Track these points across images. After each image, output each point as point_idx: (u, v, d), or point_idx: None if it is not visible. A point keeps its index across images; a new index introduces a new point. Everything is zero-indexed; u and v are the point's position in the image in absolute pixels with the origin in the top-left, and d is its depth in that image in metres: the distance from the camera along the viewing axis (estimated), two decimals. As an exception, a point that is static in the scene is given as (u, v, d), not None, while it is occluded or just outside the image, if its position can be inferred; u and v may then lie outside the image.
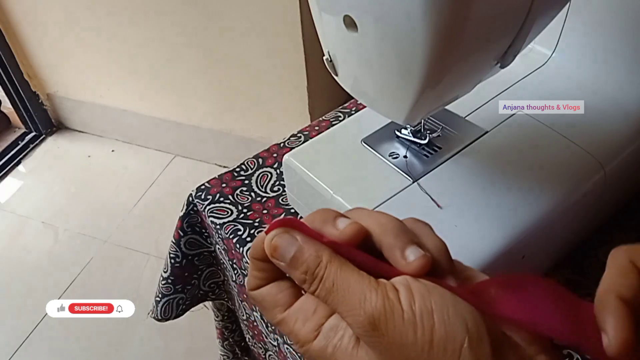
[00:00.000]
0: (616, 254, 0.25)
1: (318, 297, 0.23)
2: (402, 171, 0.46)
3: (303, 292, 0.25)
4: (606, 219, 0.53)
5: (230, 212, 0.57)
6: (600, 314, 0.23)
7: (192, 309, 0.70)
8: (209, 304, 0.75)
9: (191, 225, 0.61)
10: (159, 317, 0.68)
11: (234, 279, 0.62)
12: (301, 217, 0.55)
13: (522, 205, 0.43)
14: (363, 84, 0.41)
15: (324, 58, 0.42)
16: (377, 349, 0.21)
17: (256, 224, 0.55)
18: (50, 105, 1.91)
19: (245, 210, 0.57)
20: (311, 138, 0.54)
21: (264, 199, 0.58)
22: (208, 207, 0.58)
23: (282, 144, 0.63)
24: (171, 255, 0.63)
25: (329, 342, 0.22)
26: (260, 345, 0.70)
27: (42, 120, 1.91)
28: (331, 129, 0.54)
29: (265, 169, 0.61)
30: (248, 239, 0.54)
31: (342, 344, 0.22)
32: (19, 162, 1.85)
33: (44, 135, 1.93)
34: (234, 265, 0.59)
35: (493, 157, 0.47)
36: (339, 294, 0.22)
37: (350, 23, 0.35)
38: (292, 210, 0.56)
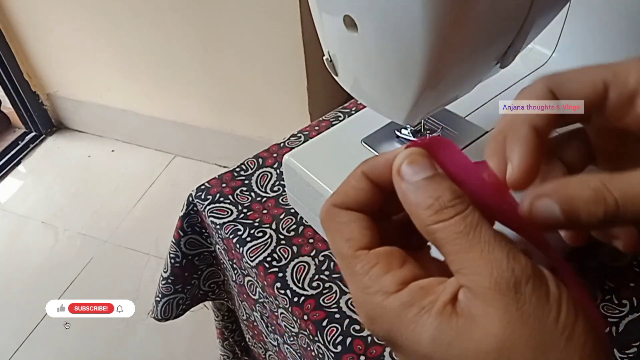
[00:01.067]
0: (535, 83, 0.24)
1: (434, 234, 0.20)
2: (402, 171, 0.46)
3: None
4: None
5: (230, 212, 0.57)
6: (510, 141, 0.23)
7: (192, 309, 0.70)
8: (209, 304, 0.75)
9: (191, 225, 0.61)
10: (159, 317, 0.68)
11: (234, 279, 0.62)
12: (302, 218, 0.55)
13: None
14: (363, 84, 0.41)
15: (324, 58, 0.42)
16: (509, 311, 0.18)
17: (256, 224, 0.55)
18: (50, 105, 1.91)
19: (245, 210, 0.57)
20: (311, 138, 0.54)
21: (264, 199, 0.58)
22: (208, 207, 0.58)
23: (282, 144, 0.64)
24: (171, 255, 0.63)
25: (416, 301, 0.20)
26: (260, 345, 0.70)
27: (42, 120, 1.91)
28: (331, 129, 0.54)
29: (265, 169, 0.61)
30: (248, 239, 0.54)
31: (434, 307, 0.19)
32: (19, 162, 1.85)
33: (44, 135, 1.93)
34: (234, 265, 0.59)
35: (493, 157, 0.47)
36: (474, 239, 0.19)
37: (350, 23, 0.35)
38: (292, 211, 0.56)
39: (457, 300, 0.19)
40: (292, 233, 0.54)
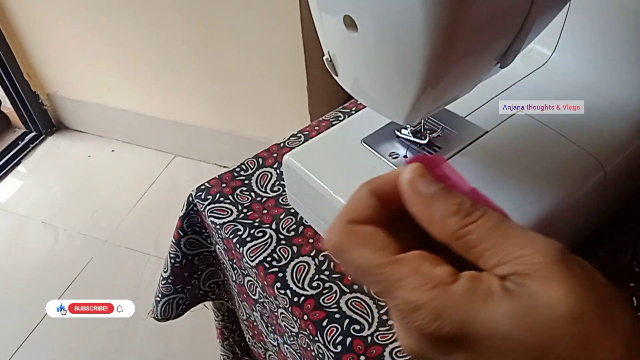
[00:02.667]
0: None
1: (464, 237, 0.21)
2: (402, 171, 0.46)
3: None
4: (606, 219, 0.53)
5: (230, 212, 0.57)
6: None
7: (192, 309, 0.70)
8: (209, 304, 0.75)
9: (191, 225, 0.61)
10: (159, 317, 0.68)
11: (234, 279, 0.62)
12: (302, 218, 0.55)
13: (522, 205, 0.43)
14: (363, 84, 0.41)
15: (324, 58, 0.42)
16: (568, 277, 0.19)
17: (256, 224, 0.55)
18: (50, 105, 1.91)
19: (245, 210, 0.57)
20: (311, 138, 0.54)
21: (264, 199, 0.58)
22: (208, 207, 0.58)
23: (282, 144, 0.64)
24: (171, 255, 0.63)
25: (476, 287, 0.20)
26: (260, 345, 0.70)
27: (42, 120, 1.91)
28: (331, 129, 0.54)
29: (265, 169, 0.61)
30: (248, 239, 0.54)
31: (494, 290, 0.19)
32: (19, 162, 1.85)
33: (44, 135, 1.93)
34: (234, 265, 0.59)
35: (493, 157, 0.47)
36: (507, 229, 0.20)
37: (350, 23, 0.35)
38: (292, 210, 0.56)
39: (506, 287, 0.20)
40: (292, 233, 0.54)
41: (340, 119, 0.66)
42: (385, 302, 0.22)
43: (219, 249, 0.61)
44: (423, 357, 0.22)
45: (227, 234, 0.55)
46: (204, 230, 0.62)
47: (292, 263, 0.52)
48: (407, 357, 0.44)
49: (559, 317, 0.19)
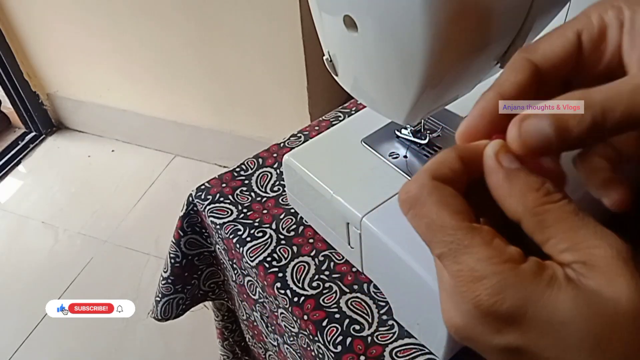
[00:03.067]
0: (514, 57, 0.25)
1: (542, 214, 0.20)
2: (402, 171, 0.46)
3: None
4: (606, 218, 0.53)
5: (230, 212, 0.57)
6: (480, 103, 0.24)
7: (192, 309, 0.70)
8: (209, 304, 0.75)
9: (191, 225, 0.61)
10: (159, 317, 0.68)
11: (234, 279, 0.62)
12: (302, 218, 0.55)
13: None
14: (363, 84, 0.41)
15: (324, 58, 0.42)
16: (635, 277, 0.19)
17: (256, 224, 0.55)
18: (50, 105, 1.91)
19: (245, 210, 0.57)
20: (311, 138, 0.54)
21: (264, 199, 0.58)
22: (208, 207, 0.58)
23: (282, 144, 0.64)
24: (171, 255, 0.63)
25: (542, 272, 0.20)
26: (260, 345, 0.70)
27: (42, 120, 1.91)
28: (331, 129, 0.54)
29: (265, 169, 0.61)
30: (248, 239, 0.54)
31: (559, 278, 0.20)
32: (19, 162, 1.85)
33: (44, 135, 1.93)
34: (234, 265, 0.59)
35: (493, 157, 0.47)
36: (584, 218, 0.20)
37: (350, 23, 0.35)
38: (292, 211, 0.56)
39: (570, 277, 0.20)
40: (292, 233, 0.54)
41: (340, 119, 0.66)
42: (447, 266, 0.21)
43: (219, 249, 0.61)
44: (466, 335, 0.22)
45: (227, 234, 0.55)
46: (204, 230, 0.62)
47: (292, 263, 0.52)
48: (408, 359, 0.44)
49: (621, 313, 0.19)
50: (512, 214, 0.21)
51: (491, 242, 0.20)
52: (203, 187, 0.60)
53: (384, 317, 0.47)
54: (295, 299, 0.49)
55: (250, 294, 0.59)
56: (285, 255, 0.52)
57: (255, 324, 0.66)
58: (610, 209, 0.25)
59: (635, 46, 0.23)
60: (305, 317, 0.48)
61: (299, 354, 0.54)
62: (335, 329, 0.47)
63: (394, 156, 0.48)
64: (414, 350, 0.45)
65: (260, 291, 0.56)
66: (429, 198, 0.22)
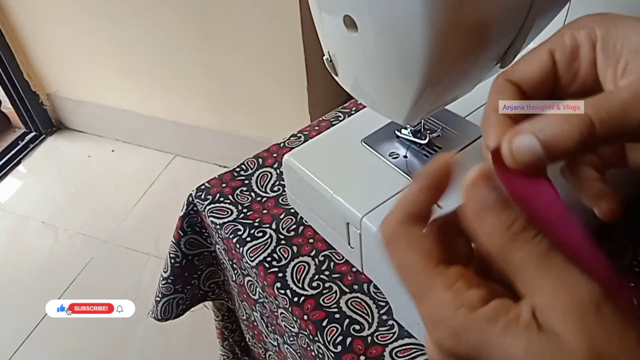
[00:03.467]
0: (495, 81, 0.26)
1: (509, 253, 0.20)
2: (402, 171, 0.46)
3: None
4: (597, 223, 0.53)
5: (230, 212, 0.57)
6: (485, 132, 0.25)
7: (192, 309, 0.70)
8: (209, 304, 0.75)
9: (191, 225, 0.61)
10: (159, 317, 0.68)
11: (234, 279, 0.62)
12: (302, 218, 0.55)
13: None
14: (363, 84, 0.41)
15: (324, 58, 0.42)
16: (593, 332, 0.19)
17: (256, 224, 0.55)
18: (50, 105, 1.91)
19: (245, 210, 0.57)
20: (311, 138, 0.54)
21: (264, 199, 0.58)
22: (208, 207, 0.58)
23: (282, 144, 0.64)
24: (171, 255, 0.63)
25: (502, 315, 0.20)
26: (260, 345, 0.70)
27: (42, 120, 1.91)
28: (331, 129, 0.54)
29: (265, 169, 0.61)
30: (248, 239, 0.54)
31: (520, 322, 0.19)
32: (19, 162, 1.85)
33: (44, 135, 1.93)
34: (234, 265, 0.59)
35: (493, 157, 0.47)
36: (550, 262, 0.19)
37: (350, 23, 0.35)
38: (292, 211, 0.56)
39: (537, 319, 0.19)
40: (292, 233, 0.54)
41: (340, 119, 0.66)
42: (416, 306, 0.22)
43: (219, 249, 0.61)
44: None
45: (227, 234, 0.55)
46: (204, 230, 0.62)
47: (292, 263, 0.52)
48: (408, 359, 0.44)
49: None
50: (482, 248, 0.21)
51: (451, 287, 0.21)
52: (203, 187, 0.60)
53: (384, 317, 0.47)
54: (295, 299, 0.49)
55: (250, 294, 0.59)
56: (285, 255, 0.52)
57: (255, 324, 0.66)
58: (600, 218, 0.25)
59: (609, 63, 0.24)
60: (305, 317, 0.48)
61: (299, 354, 0.54)
62: (335, 329, 0.47)
63: (394, 156, 0.48)
64: (414, 350, 0.45)
65: (260, 291, 0.56)
66: (397, 241, 0.22)
